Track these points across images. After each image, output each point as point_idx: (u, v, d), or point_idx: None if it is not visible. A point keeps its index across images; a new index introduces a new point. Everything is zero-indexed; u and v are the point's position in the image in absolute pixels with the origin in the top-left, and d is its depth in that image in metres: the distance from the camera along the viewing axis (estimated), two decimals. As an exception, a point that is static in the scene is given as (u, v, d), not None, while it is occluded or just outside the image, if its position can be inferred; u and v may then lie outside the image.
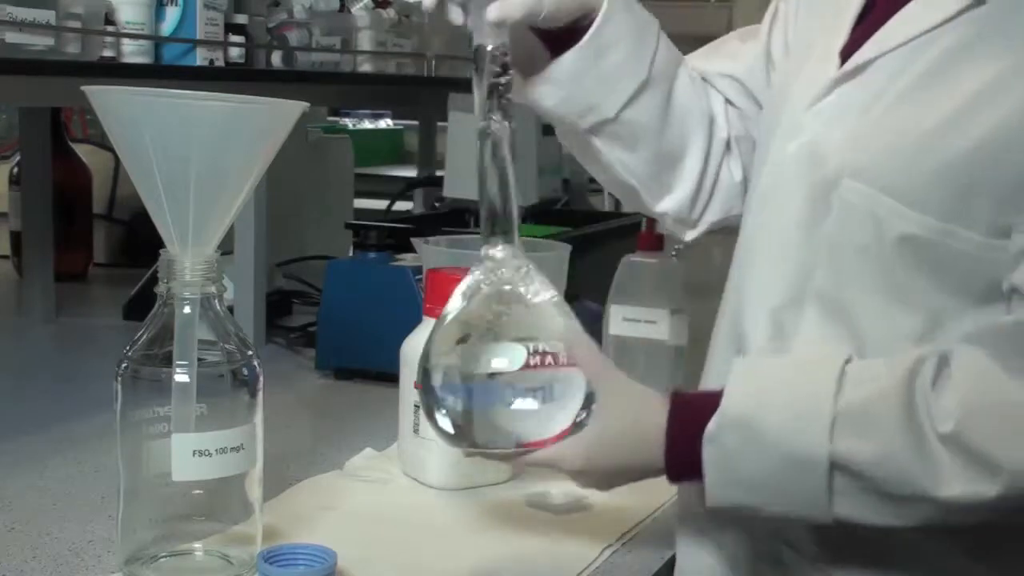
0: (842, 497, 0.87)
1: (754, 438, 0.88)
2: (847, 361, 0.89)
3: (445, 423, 0.91)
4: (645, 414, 0.93)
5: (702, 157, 1.13)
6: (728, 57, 1.17)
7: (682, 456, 0.91)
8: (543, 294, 0.94)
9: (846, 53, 0.99)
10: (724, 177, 1.14)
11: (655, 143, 1.10)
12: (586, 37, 1.03)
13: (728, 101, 1.16)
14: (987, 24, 0.90)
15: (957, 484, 0.83)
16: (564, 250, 1.35)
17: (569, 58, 1.03)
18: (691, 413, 0.92)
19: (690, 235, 1.16)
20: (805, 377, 0.91)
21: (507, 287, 0.94)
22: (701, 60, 1.18)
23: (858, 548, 0.95)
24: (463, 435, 0.91)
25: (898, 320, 0.91)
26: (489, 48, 0.93)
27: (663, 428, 0.92)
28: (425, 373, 0.92)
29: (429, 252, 1.28)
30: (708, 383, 1.04)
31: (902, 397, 0.86)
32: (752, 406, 0.90)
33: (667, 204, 1.14)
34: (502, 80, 0.93)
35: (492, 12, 0.94)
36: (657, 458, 0.92)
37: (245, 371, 0.92)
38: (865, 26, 0.99)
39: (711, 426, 0.90)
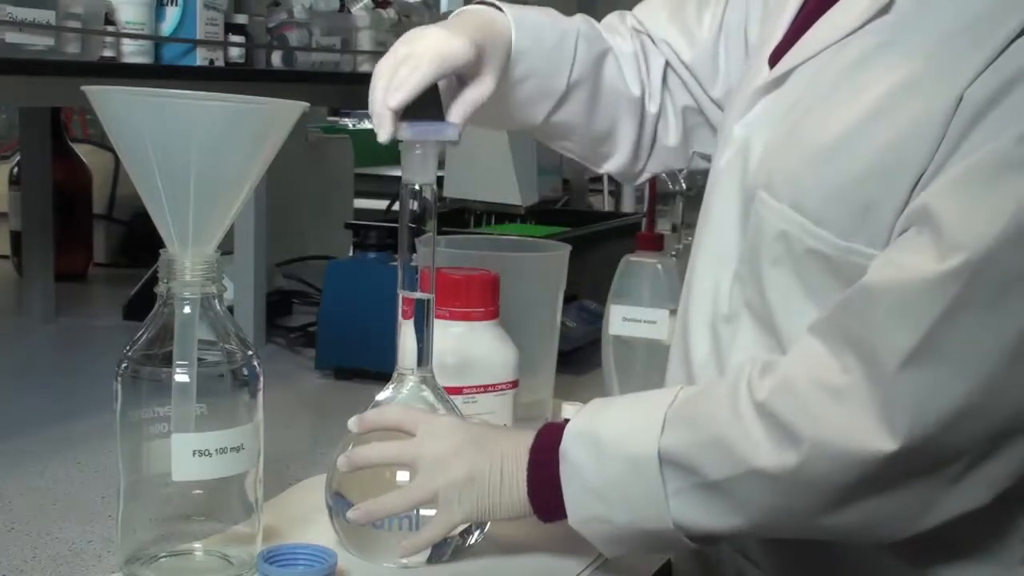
0: (677, 498, 0.87)
1: (596, 445, 0.91)
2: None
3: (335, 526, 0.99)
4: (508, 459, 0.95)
5: (634, 130, 1.20)
6: (685, 34, 1.19)
7: (543, 486, 0.93)
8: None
9: (775, 60, 0.99)
10: (660, 141, 1.21)
11: (586, 129, 1.18)
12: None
13: (670, 65, 1.20)
14: (890, 34, 0.88)
15: (765, 453, 0.83)
16: (564, 250, 1.35)
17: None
18: (547, 442, 0.94)
19: (634, 184, 1.30)
20: (646, 396, 0.95)
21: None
22: (662, 20, 1.20)
23: (808, 562, 0.96)
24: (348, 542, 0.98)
25: None
26: (417, 187, 0.99)
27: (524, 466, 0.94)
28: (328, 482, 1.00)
29: (429, 252, 1.28)
30: None
31: (728, 386, 0.88)
32: (595, 420, 0.93)
33: (608, 167, 1.23)
34: (420, 227, 0.99)
35: (391, 99, 0.98)
36: (521, 488, 0.94)
37: (245, 371, 0.92)
38: (792, 32, 0.99)
39: (562, 444, 0.92)
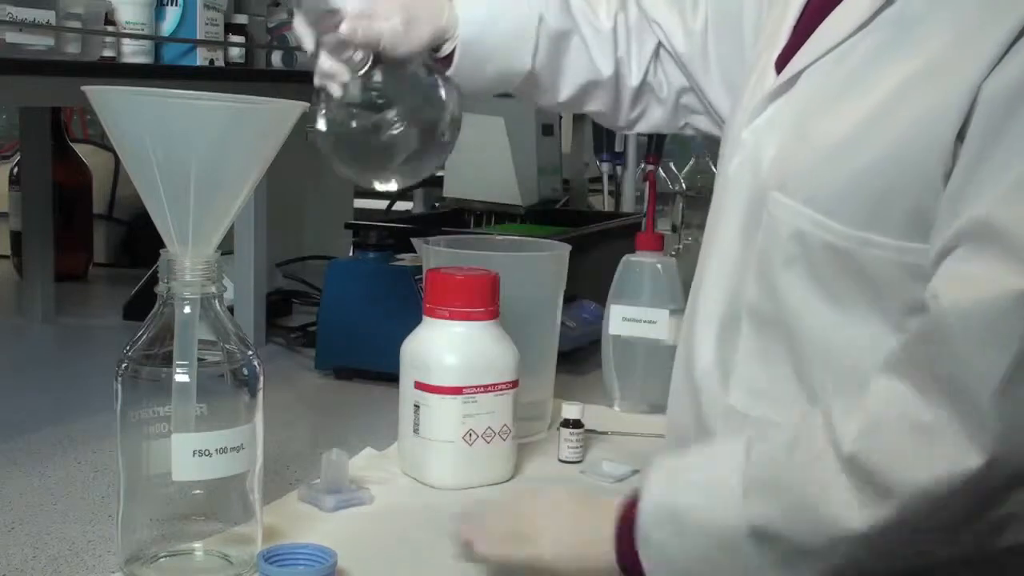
0: (774, 569, 0.83)
1: (677, 523, 0.86)
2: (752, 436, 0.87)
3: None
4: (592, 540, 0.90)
5: (610, 102, 1.21)
6: (681, 22, 1.18)
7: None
8: None
9: (781, 64, 0.99)
10: (648, 111, 1.22)
11: (553, 101, 1.21)
12: (450, 70, 1.12)
13: (663, 46, 1.20)
14: (897, 29, 0.88)
15: (857, 512, 0.78)
16: (564, 250, 1.35)
17: (453, 71, 1.13)
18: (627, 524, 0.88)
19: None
20: (712, 455, 0.90)
21: None
22: (660, 2, 1.20)
23: None
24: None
25: (837, 328, 0.89)
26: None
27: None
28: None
29: (429, 252, 1.29)
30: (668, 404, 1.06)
31: (807, 437, 0.83)
32: (666, 490, 0.87)
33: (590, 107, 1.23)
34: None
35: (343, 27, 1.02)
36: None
37: (245, 371, 0.92)
38: (798, 35, 0.99)
39: (638, 528, 0.87)
